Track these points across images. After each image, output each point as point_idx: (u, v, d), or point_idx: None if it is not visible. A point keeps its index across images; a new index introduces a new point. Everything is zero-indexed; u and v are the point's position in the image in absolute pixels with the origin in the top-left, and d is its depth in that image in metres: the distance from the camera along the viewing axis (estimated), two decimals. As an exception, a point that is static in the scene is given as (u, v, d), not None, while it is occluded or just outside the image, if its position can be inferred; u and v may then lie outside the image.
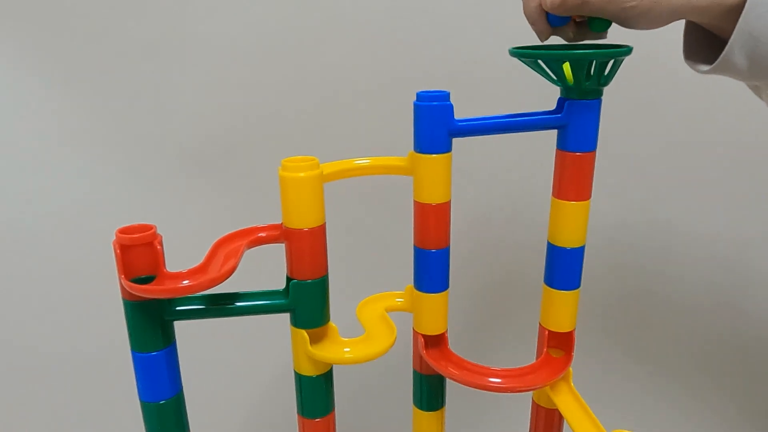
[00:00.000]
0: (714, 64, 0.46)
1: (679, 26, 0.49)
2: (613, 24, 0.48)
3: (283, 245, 0.50)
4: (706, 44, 0.49)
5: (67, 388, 0.92)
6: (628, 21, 0.45)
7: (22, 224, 0.90)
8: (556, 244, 0.54)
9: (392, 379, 0.82)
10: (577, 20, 0.48)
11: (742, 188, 0.89)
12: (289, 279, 0.50)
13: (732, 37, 0.43)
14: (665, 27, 0.47)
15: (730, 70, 0.46)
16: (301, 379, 0.53)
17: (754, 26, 0.42)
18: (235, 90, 0.89)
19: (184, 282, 0.44)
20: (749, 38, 0.43)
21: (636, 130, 0.88)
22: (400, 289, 0.60)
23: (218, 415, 0.93)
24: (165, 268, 0.45)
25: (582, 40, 0.49)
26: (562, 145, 0.51)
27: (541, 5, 0.46)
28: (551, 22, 0.47)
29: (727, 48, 0.44)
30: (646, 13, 0.44)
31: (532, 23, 0.48)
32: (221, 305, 0.49)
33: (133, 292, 0.44)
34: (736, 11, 0.43)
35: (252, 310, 0.50)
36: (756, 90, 0.52)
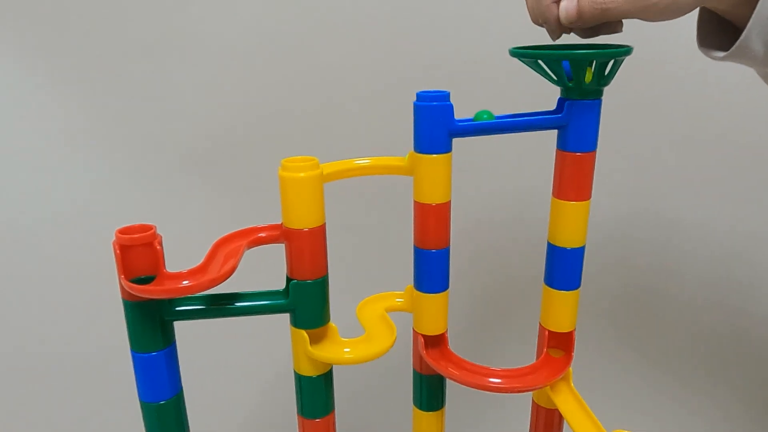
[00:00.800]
0: (730, 50, 0.45)
1: (679, 23, 0.49)
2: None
3: (283, 245, 0.50)
4: (720, 31, 0.48)
5: (67, 388, 0.92)
6: (651, 18, 0.45)
7: (22, 224, 0.90)
8: (556, 244, 0.54)
9: (392, 379, 0.82)
10: None
11: (744, 189, 0.89)
12: (289, 279, 0.50)
13: (750, 22, 0.43)
14: (666, 24, 0.47)
15: (747, 57, 0.45)
16: (301, 379, 0.53)
17: None
18: (235, 90, 0.89)
19: (184, 282, 0.44)
20: (767, 23, 0.43)
21: (636, 129, 0.88)
22: (400, 289, 0.60)
23: (218, 415, 0.93)
24: (165, 268, 0.45)
25: (594, 36, 0.49)
26: (562, 145, 0.51)
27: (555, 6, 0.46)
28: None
29: (744, 33, 0.44)
30: (670, 6, 0.43)
31: (545, 21, 0.47)
32: (221, 305, 0.49)
33: (133, 293, 0.44)
34: None
35: (252, 310, 0.50)
36: (767, 78, 0.52)
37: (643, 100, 0.86)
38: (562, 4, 0.45)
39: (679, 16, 0.45)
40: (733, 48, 0.45)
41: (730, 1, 0.44)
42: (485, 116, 0.50)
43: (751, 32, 0.43)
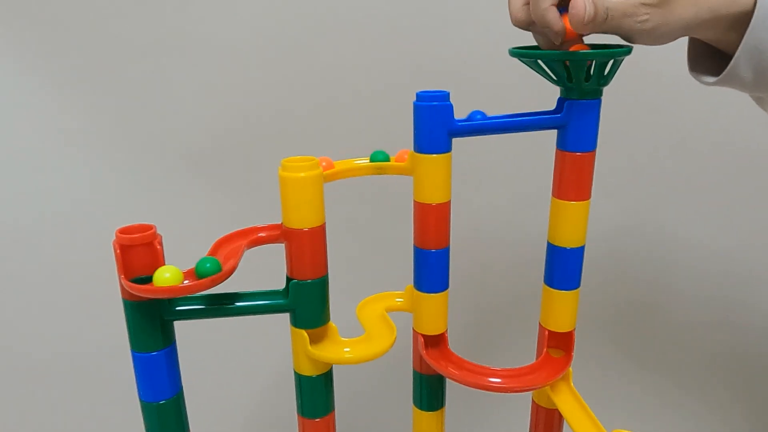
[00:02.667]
0: (719, 77, 0.46)
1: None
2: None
3: (283, 245, 0.50)
4: (710, 56, 0.49)
5: (67, 388, 0.92)
6: (639, 36, 0.45)
7: (22, 224, 0.90)
8: (555, 244, 0.54)
9: (392, 379, 0.82)
10: None
11: (742, 186, 0.89)
12: (289, 279, 0.50)
13: (738, 50, 0.44)
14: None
15: (736, 83, 0.46)
16: (301, 379, 0.53)
17: (761, 40, 0.43)
18: (235, 90, 0.89)
19: (184, 282, 0.44)
20: (755, 51, 0.43)
21: (636, 130, 0.88)
22: (400, 289, 0.60)
23: (218, 415, 0.93)
24: (165, 268, 0.45)
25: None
26: (562, 145, 0.51)
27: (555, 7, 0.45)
28: None
29: (733, 61, 0.44)
30: (658, 28, 0.43)
31: (544, 26, 0.46)
32: (221, 305, 0.49)
33: (133, 292, 0.44)
34: (743, 24, 0.43)
35: (252, 310, 0.50)
36: (759, 101, 0.52)
37: (642, 101, 0.86)
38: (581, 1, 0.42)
39: (665, 42, 0.45)
40: (723, 75, 0.46)
41: (718, 30, 0.45)
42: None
43: (740, 60, 0.44)
